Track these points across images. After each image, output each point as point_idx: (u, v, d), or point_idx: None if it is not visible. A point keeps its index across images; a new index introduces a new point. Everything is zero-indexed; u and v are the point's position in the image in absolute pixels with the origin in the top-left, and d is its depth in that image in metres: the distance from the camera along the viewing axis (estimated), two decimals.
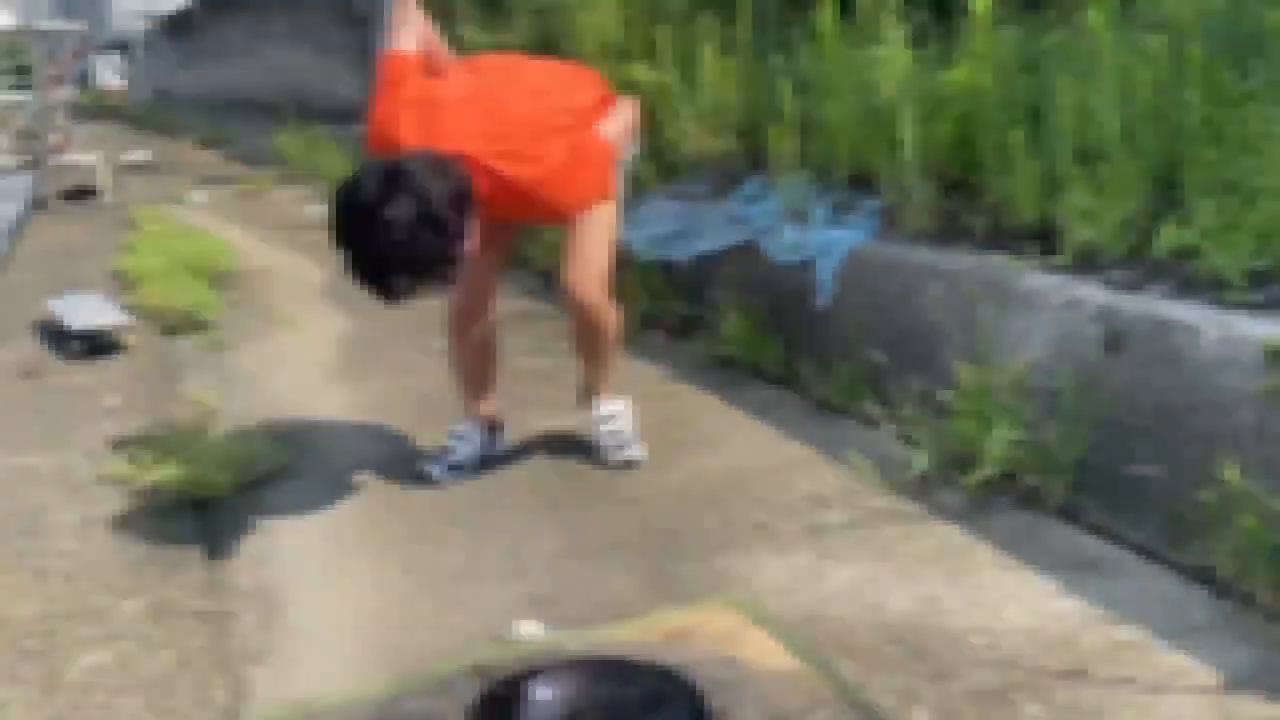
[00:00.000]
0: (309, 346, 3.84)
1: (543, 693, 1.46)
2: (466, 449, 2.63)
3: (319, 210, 7.37)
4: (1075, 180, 2.50)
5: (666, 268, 3.81)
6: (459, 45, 3.29)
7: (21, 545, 2.22)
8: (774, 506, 2.35)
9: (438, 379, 3.40)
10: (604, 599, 1.99)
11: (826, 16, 3.27)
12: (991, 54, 2.81)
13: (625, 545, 2.22)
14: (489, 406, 2.69)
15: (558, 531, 2.28)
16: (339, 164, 8.61)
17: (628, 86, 4.27)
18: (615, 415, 2.65)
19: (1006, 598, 1.92)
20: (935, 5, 3.19)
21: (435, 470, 2.61)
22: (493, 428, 2.70)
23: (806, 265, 3.11)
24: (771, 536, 2.22)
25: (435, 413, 2.97)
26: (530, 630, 1.87)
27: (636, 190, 4.15)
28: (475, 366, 2.66)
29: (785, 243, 3.22)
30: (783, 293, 3.22)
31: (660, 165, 4.08)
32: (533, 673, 1.52)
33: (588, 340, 2.58)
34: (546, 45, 4.63)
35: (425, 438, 2.85)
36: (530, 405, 3.03)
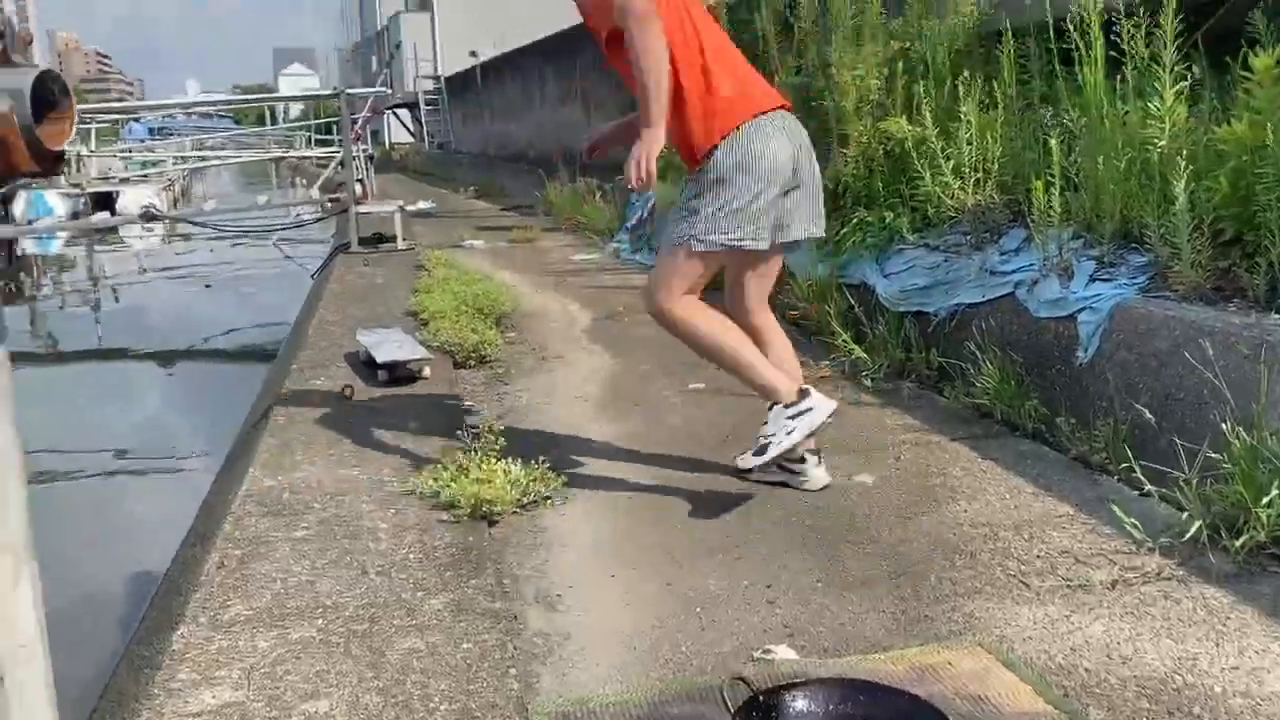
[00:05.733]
0: (578, 383, 4.17)
1: (800, 704, 1.60)
2: (785, 439, 2.67)
3: (583, 257, 7.89)
4: None
5: (918, 317, 3.87)
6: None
7: (347, 545, 2.59)
8: (1027, 558, 2.38)
9: (691, 415, 3.64)
10: (853, 633, 2.10)
11: (1096, 70, 3.27)
12: (1273, 110, 2.73)
13: (875, 583, 2.31)
14: (786, 381, 2.74)
15: (809, 566, 2.41)
16: (601, 215, 9.17)
17: (885, 139, 4.38)
18: (768, 423, 2.73)
19: (1272, 663, 1.88)
20: (1210, 60, 3.12)
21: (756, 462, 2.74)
22: (794, 404, 2.70)
23: (1068, 320, 3.10)
24: (1023, 586, 2.25)
25: (690, 446, 3.29)
26: (784, 654, 2.02)
27: (891, 242, 4.24)
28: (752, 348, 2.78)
29: (1048, 297, 3.23)
30: (1041, 347, 3.21)
31: (914, 217, 4.15)
32: (790, 685, 1.66)
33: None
34: (807, 98, 4.81)
35: (681, 468, 3.07)
36: None
